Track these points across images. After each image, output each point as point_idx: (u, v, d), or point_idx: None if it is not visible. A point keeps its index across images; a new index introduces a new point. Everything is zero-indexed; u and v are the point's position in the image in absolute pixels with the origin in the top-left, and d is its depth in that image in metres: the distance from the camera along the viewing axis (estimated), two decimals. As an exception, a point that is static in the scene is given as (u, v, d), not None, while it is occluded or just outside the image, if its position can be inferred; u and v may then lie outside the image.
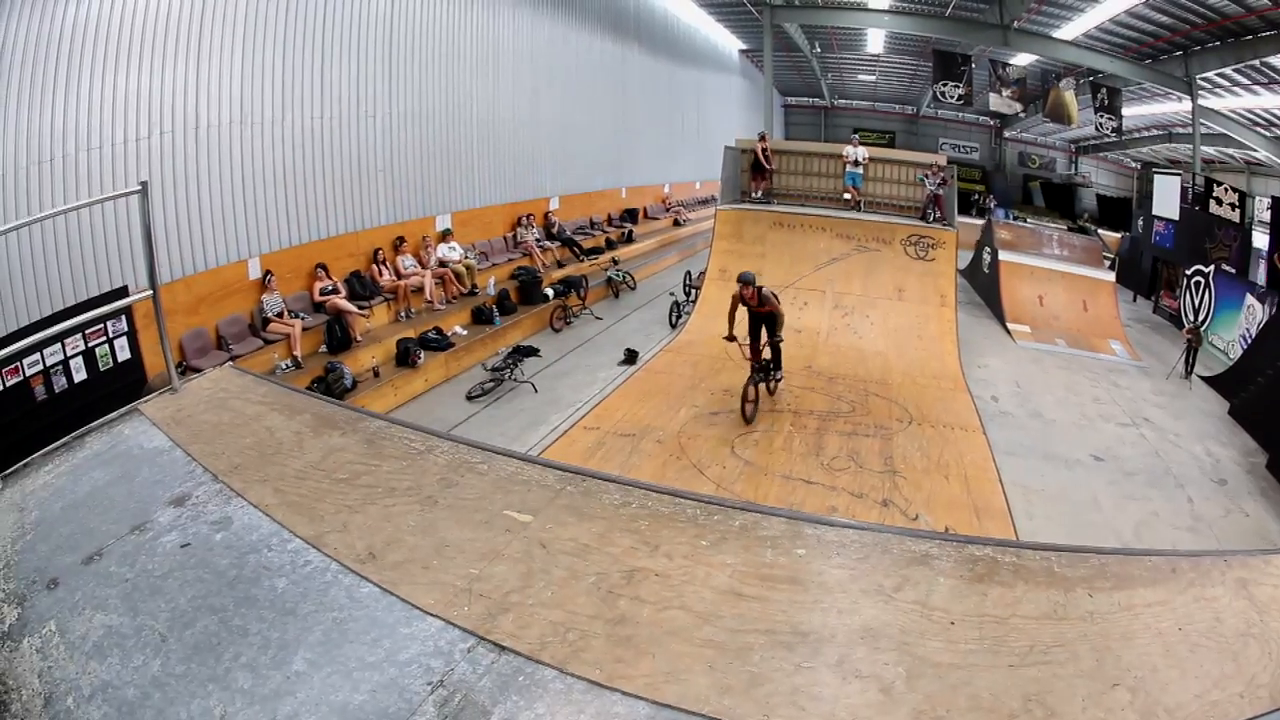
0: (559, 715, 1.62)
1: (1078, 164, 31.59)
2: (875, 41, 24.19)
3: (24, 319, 6.41)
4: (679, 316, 12.00)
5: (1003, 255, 14.74)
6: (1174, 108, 20.28)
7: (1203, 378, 10.97)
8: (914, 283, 11.47)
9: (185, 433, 3.04)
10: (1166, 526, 6.62)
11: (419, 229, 11.21)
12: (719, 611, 1.86)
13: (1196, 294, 13.75)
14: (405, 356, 9.24)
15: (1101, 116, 19.89)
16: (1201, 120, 18.27)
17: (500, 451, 2.86)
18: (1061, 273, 14.44)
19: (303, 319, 8.79)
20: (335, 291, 9.32)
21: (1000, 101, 20.61)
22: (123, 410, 3.36)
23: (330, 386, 8.08)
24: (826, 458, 7.52)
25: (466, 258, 11.52)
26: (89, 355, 6.56)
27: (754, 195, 13.14)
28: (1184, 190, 15.83)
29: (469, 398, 8.92)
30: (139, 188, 3.26)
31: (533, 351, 10.04)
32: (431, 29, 11.32)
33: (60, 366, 6.35)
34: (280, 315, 8.63)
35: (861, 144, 13.23)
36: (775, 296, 8.24)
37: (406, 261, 10.56)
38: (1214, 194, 14.21)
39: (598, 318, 12.59)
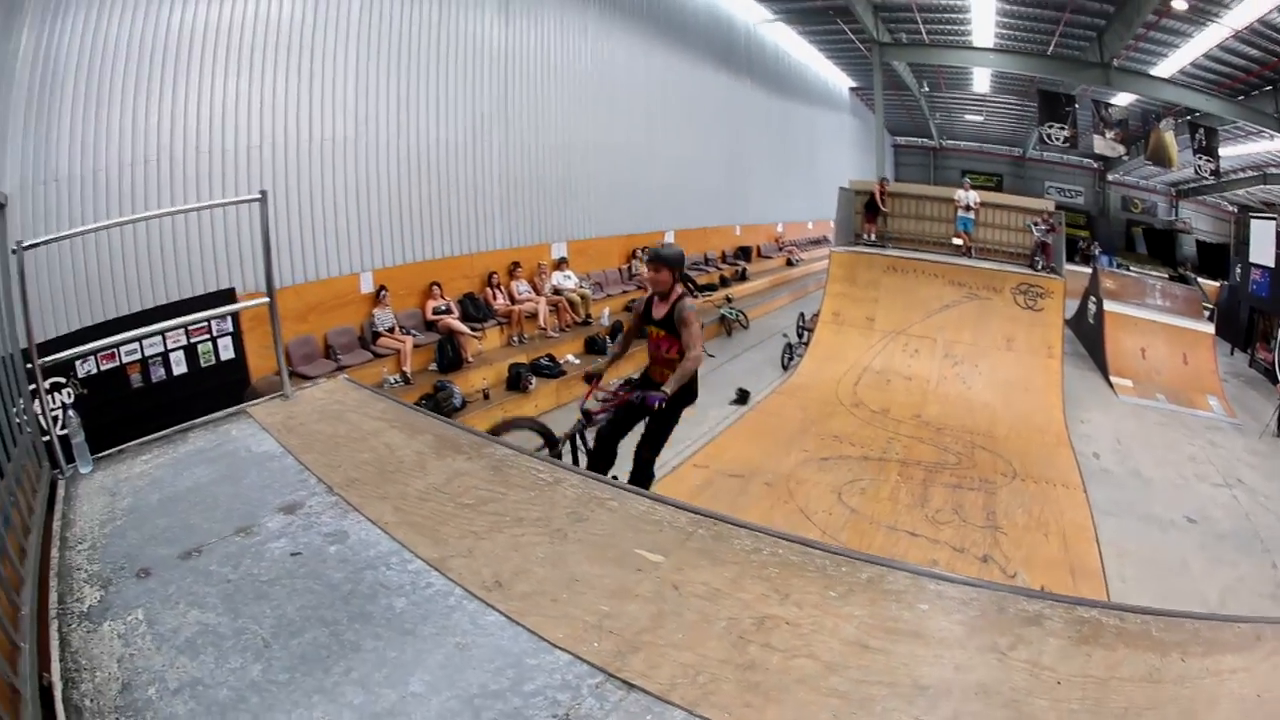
0: (685, 755, 1.60)
1: (1178, 208, 30.11)
2: (982, 80, 23.63)
3: (123, 310, 6.50)
4: (791, 358, 11.93)
5: (1108, 305, 14.10)
6: (1266, 146, 19.25)
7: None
8: (1023, 333, 11.19)
9: (298, 441, 3.08)
10: (1250, 593, 6.44)
11: (534, 255, 11.39)
12: (845, 662, 1.89)
13: (1291, 347, 12.82)
14: (516, 381, 9.39)
15: (1200, 158, 18.87)
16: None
17: (629, 489, 2.88)
18: (1163, 324, 13.69)
19: (415, 335, 9.01)
20: (448, 311, 9.55)
21: (1104, 144, 19.81)
22: (231, 410, 3.43)
23: (439, 404, 8.21)
24: (931, 510, 7.42)
25: (581, 287, 11.70)
26: (190, 350, 6.75)
27: (867, 238, 13.01)
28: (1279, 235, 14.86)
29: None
30: (259, 195, 3.34)
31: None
32: (546, 57, 11.57)
33: (159, 358, 6.53)
34: (391, 330, 8.85)
35: (972, 187, 13.00)
36: (695, 315, 3.86)
37: (521, 287, 10.79)
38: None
39: (710, 355, 12.62)
